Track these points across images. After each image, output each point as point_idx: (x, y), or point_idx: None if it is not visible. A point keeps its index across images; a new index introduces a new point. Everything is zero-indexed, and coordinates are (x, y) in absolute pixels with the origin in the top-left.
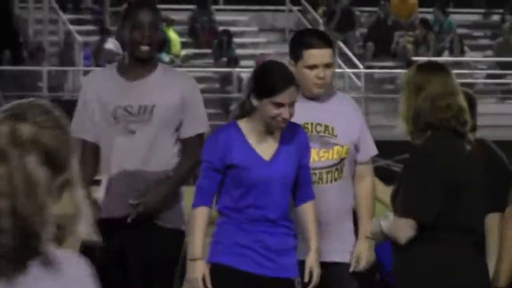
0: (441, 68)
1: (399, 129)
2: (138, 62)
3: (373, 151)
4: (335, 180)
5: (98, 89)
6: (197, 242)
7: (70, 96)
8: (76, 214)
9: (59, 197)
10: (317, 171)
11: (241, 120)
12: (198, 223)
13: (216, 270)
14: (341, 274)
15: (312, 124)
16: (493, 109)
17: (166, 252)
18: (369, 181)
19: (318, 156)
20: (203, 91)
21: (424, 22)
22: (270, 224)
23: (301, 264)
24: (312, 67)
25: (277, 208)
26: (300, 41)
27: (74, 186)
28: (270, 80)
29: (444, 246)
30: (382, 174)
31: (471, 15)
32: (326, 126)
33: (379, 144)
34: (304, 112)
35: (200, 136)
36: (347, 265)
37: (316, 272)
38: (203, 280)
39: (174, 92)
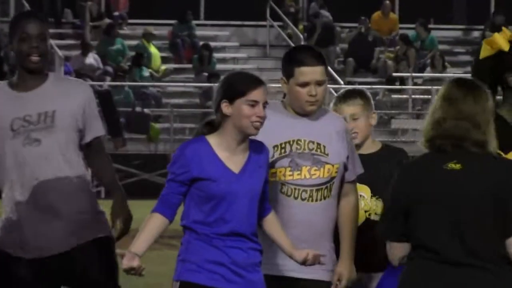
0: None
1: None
2: (29, 74)
3: (360, 169)
4: (324, 198)
5: None
6: (141, 239)
7: None
8: None
9: None
10: (308, 189)
11: (208, 136)
12: (148, 224)
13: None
14: None
15: (304, 141)
16: None
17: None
18: (354, 199)
19: (309, 174)
20: (183, 106)
21: (404, 38)
22: (239, 239)
23: (272, 279)
24: (304, 84)
25: (246, 222)
26: (292, 58)
27: None
28: (241, 80)
29: (409, 266)
30: None
31: (452, 31)
32: (318, 144)
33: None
34: (296, 129)
35: (99, 138)
36: (328, 284)
37: (299, 253)
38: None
39: (73, 99)
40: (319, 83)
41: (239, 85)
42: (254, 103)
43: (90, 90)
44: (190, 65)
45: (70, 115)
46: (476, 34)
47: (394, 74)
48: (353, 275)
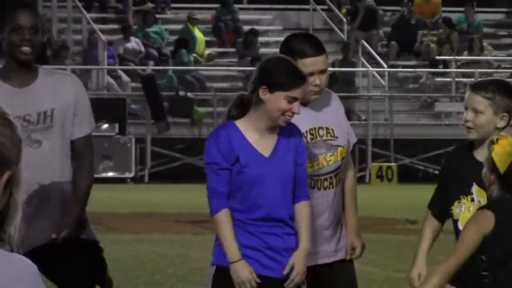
0: None
1: None
2: (20, 67)
3: (355, 138)
4: (339, 182)
5: None
6: (231, 245)
7: (94, 94)
8: (14, 214)
9: (2, 194)
10: (327, 177)
11: (238, 120)
12: (224, 226)
13: (222, 273)
14: (346, 269)
15: (315, 129)
16: None
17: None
18: (353, 171)
19: (325, 161)
20: (226, 90)
21: (447, 21)
22: (275, 224)
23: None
24: (308, 75)
25: (281, 206)
26: (293, 49)
27: (18, 184)
28: (287, 74)
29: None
30: (405, 173)
31: (494, 14)
32: (327, 129)
33: (402, 142)
34: (304, 119)
35: (88, 137)
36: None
37: (297, 270)
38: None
39: (66, 94)
40: (322, 72)
41: (284, 79)
42: (293, 100)
43: (79, 82)
44: (233, 49)
45: (65, 113)
46: None
47: (437, 57)
48: (363, 243)
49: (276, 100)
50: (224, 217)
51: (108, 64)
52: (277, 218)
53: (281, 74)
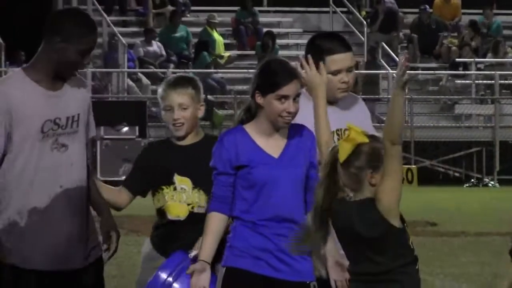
0: None
1: None
2: (56, 77)
3: None
4: None
5: (15, 100)
6: (206, 245)
7: (115, 97)
8: None
9: None
10: None
11: (246, 124)
12: (209, 226)
13: (232, 274)
14: None
15: (341, 130)
16: None
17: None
18: None
19: None
20: (246, 93)
21: (472, 24)
22: (287, 225)
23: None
24: (336, 72)
25: (292, 207)
26: (321, 46)
27: None
28: (273, 74)
29: None
30: (426, 175)
31: None
32: None
33: (423, 144)
34: (333, 119)
35: (92, 139)
36: None
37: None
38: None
39: (85, 98)
40: (349, 69)
41: (270, 79)
42: (284, 98)
43: (88, 87)
44: (253, 52)
45: (86, 117)
46: None
47: (457, 59)
48: None
49: (269, 103)
50: (211, 218)
51: (128, 67)
52: (288, 219)
53: (267, 76)
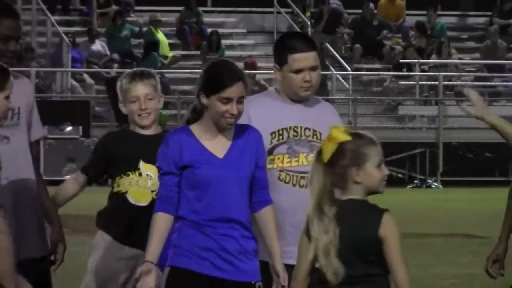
0: None
1: None
2: None
3: None
4: None
5: None
6: (152, 246)
7: (59, 97)
8: None
9: None
10: (305, 175)
11: (192, 124)
12: (155, 227)
13: (176, 274)
14: None
15: (301, 128)
16: None
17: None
18: None
19: (306, 161)
20: (190, 93)
21: (419, 25)
22: (232, 225)
23: (264, 265)
24: (298, 71)
25: (237, 208)
26: (284, 45)
27: None
28: (217, 76)
29: None
30: None
31: (458, 18)
32: (314, 131)
33: None
34: (293, 116)
35: (38, 141)
36: None
37: (283, 276)
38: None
39: (28, 95)
40: (312, 69)
41: (214, 81)
42: (227, 100)
43: (32, 86)
44: (197, 52)
45: (28, 113)
46: (482, 20)
47: (401, 60)
48: None
49: (212, 104)
50: (156, 219)
51: (75, 67)
52: (233, 219)
53: (211, 77)
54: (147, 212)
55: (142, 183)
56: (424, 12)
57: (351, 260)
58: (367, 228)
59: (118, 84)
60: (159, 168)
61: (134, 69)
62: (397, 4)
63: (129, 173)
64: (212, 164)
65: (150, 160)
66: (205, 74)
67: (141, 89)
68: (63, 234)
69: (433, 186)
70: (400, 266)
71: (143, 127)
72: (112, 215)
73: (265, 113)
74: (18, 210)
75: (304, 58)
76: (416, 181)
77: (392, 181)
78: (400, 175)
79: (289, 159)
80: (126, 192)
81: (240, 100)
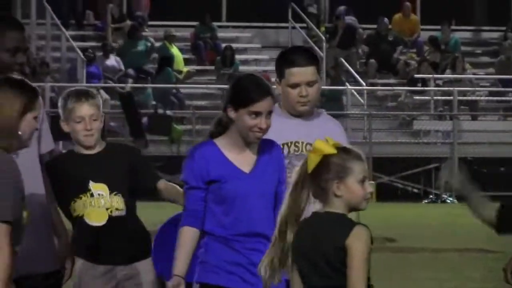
0: None
1: None
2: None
3: None
4: None
5: None
6: (179, 261)
7: None
8: None
9: None
10: None
11: (217, 138)
12: (181, 241)
13: None
14: None
15: (302, 143)
16: (494, 127)
17: None
18: None
19: None
20: (205, 108)
21: (433, 40)
22: (259, 240)
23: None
24: (294, 85)
25: (263, 222)
26: (283, 59)
27: None
28: (247, 90)
29: None
30: (384, 191)
31: (473, 33)
32: None
33: (381, 161)
34: (294, 131)
35: (47, 154)
36: None
37: None
38: None
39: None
40: (309, 84)
41: (244, 94)
42: (256, 114)
43: (42, 101)
44: (212, 67)
45: (39, 125)
46: (496, 35)
47: (416, 75)
48: None
49: (241, 118)
50: (183, 233)
51: (93, 82)
52: (259, 234)
53: (241, 91)
54: (106, 229)
55: (96, 203)
56: (438, 27)
57: (325, 271)
58: (336, 237)
59: (61, 102)
60: (185, 182)
61: (77, 88)
62: (412, 19)
63: (81, 195)
64: (239, 179)
65: (100, 179)
66: (234, 87)
67: (86, 109)
68: (70, 249)
69: (448, 201)
70: (357, 282)
71: (86, 148)
72: (78, 239)
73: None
74: (29, 224)
75: (300, 73)
76: (431, 196)
77: (407, 196)
78: (415, 190)
79: (289, 174)
80: (83, 216)
81: (268, 115)
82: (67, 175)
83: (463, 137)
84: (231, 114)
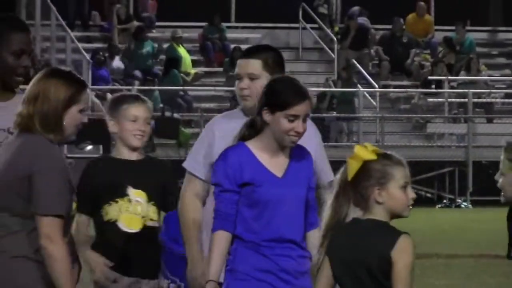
0: None
1: None
2: (3, 87)
3: (329, 177)
4: None
5: None
6: (214, 265)
7: None
8: None
9: None
10: None
11: (248, 141)
12: (215, 245)
13: None
14: None
15: None
16: (510, 130)
17: None
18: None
19: None
20: (213, 110)
21: (447, 41)
22: (289, 245)
23: None
24: (236, 77)
25: (294, 227)
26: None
27: None
28: (285, 93)
29: None
30: None
31: (488, 33)
32: None
33: None
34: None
35: None
36: None
37: None
38: None
39: None
40: (251, 77)
41: (281, 97)
42: (294, 118)
43: None
44: (220, 69)
45: None
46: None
47: (430, 77)
48: None
49: (277, 121)
50: (218, 237)
51: (100, 85)
52: (290, 240)
53: (278, 93)
54: (139, 238)
55: (133, 210)
56: (453, 27)
57: (363, 281)
58: (380, 247)
59: (111, 102)
60: (217, 185)
61: (130, 92)
62: (426, 19)
63: (118, 199)
64: (272, 183)
65: (139, 186)
66: (270, 90)
67: (143, 111)
68: (78, 253)
69: (463, 205)
70: None
71: (133, 149)
72: (107, 244)
73: (225, 133)
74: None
75: (242, 65)
76: (445, 201)
77: (421, 201)
78: (429, 195)
79: None
80: (116, 220)
81: (305, 118)
82: (104, 178)
83: (478, 141)
84: (267, 117)
